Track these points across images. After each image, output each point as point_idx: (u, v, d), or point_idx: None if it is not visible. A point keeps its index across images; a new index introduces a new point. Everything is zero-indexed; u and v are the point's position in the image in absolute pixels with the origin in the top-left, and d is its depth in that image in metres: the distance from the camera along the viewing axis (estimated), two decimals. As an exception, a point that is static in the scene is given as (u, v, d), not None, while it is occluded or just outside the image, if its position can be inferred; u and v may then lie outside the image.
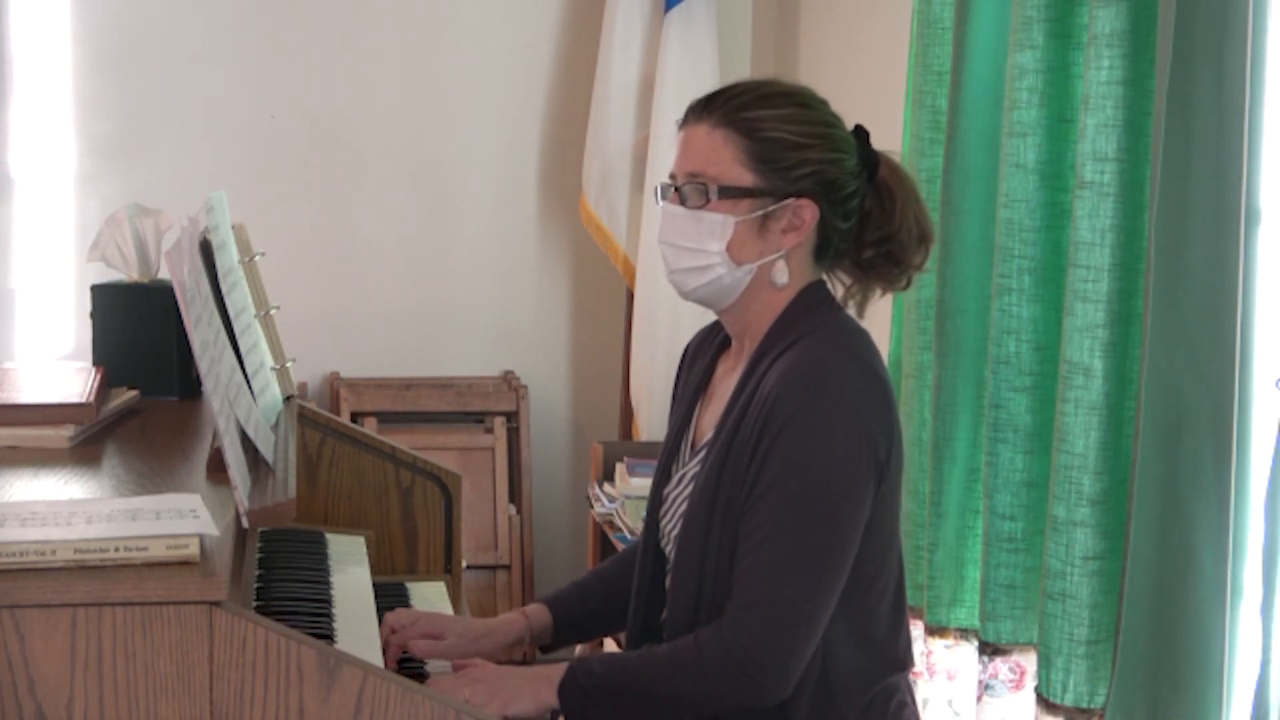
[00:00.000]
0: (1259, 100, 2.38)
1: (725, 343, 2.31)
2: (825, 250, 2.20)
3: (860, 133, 2.23)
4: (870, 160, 2.21)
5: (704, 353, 2.36)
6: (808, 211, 2.16)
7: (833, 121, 2.20)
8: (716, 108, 2.17)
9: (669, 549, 2.25)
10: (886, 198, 2.21)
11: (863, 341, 2.20)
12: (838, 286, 2.27)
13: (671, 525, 2.24)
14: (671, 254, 2.20)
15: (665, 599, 2.26)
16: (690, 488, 2.21)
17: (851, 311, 2.26)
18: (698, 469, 2.20)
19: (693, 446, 2.28)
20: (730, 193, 2.15)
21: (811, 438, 2.06)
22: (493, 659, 2.29)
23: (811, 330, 2.16)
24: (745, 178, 2.15)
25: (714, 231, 2.16)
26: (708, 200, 2.16)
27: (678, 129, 2.23)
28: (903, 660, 2.22)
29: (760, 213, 2.15)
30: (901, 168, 2.26)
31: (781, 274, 2.18)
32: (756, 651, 2.03)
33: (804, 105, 2.19)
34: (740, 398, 2.16)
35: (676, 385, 2.42)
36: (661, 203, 2.22)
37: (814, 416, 2.06)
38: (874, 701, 2.17)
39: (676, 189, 2.19)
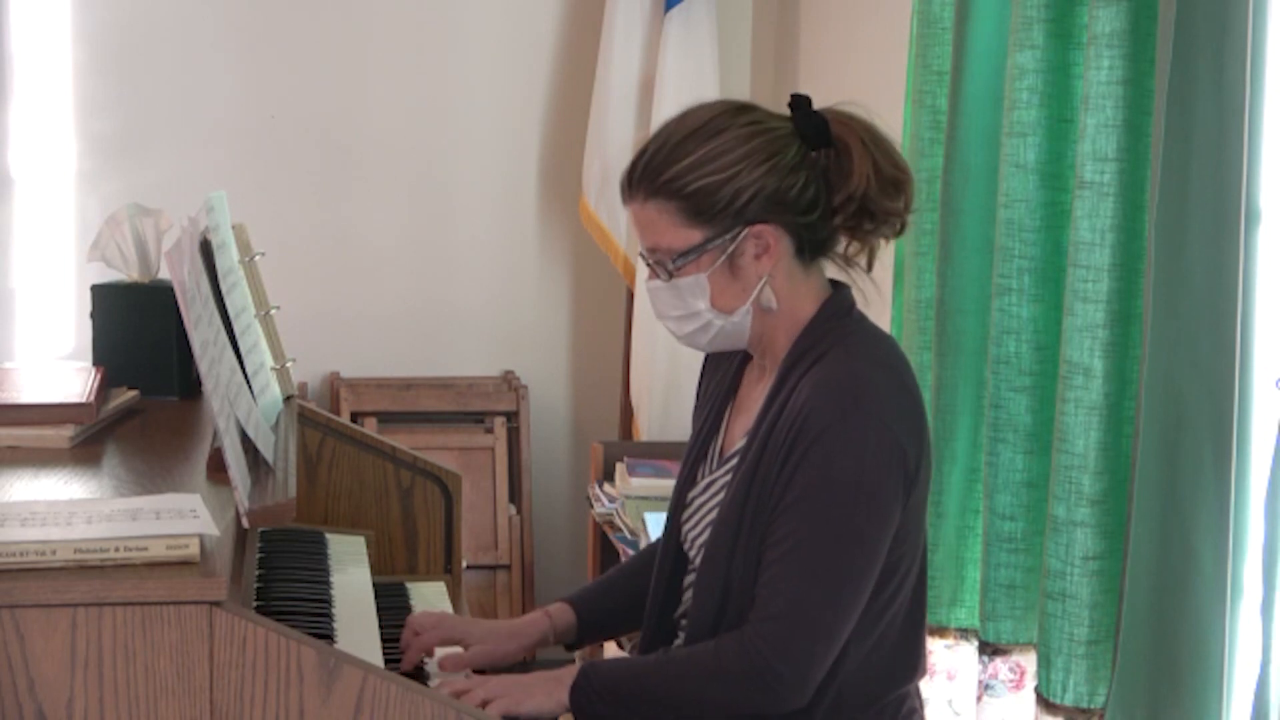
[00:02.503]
0: (1259, 100, 2.37)
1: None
2: (804, 248, 2.17)
3: (798, 104, 2.16)
4: (816, 127, 2.14)
5: (729, 354, 2.34)
6: (768, 234, 2.13)
7: (754, 131, 2.13)
8: (636, 181, 2.15)
9: (692, 553, 2.26)
10: (844, 155, 2.14)
11: (891, 350, 2.18)
12: (838, 258, 2.23)
13: (697, 532, 2.24)
14: (672, 325, 2.21)
15: (679, 597, 2.27)
16: (719, 496, 2.20)
17: (862, 278, 2.24)
18: (727, 478, 2.20)
19: (721, 454, 2.27)
20: (687, 255, 2.13)
21: (843, 451, 2.05)
22: (517, 661, 2.29)
23: (840, 341, 2.14)
24: (694, 236, 2.13)
25: (694, 293, 2.15)
26: (672, 271, 2.15)
27: (622, 205, 2.22)
28: (917, 669, 2.23)
29: (724, 258, 2.13)
30: (853, 118, 2.17)
31: (769, 300, 2.16)
32: (777, 662, 2.04)
33: (716, 134, 2.12)
34: (771, 409, 2.14)
35: (700, 384, 2.41)
36: (645, 280, 2.22)
37: (846, 429, 2.06)
38: (885, 708, 2.17)
39: (649, 264, 2.19)
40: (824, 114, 2.16)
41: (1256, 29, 2.36)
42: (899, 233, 2.22)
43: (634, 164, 2.17)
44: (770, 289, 2.16)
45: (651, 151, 2.15)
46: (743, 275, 2.15)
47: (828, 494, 2.05)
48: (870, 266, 2.24)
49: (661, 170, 2.13)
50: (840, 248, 2.22)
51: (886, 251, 2.31)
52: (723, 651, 2.07)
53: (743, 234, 2.12)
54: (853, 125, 2.16)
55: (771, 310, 2.17)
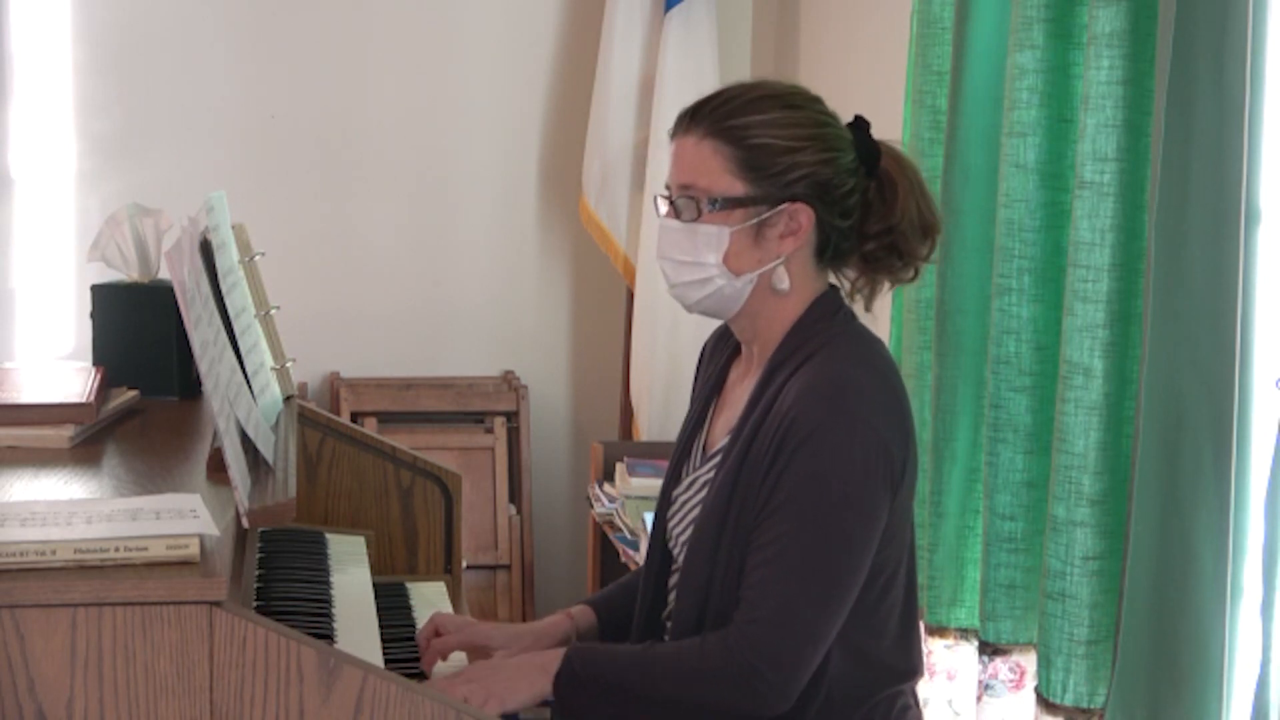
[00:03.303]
0: (1259, 100, 2.37)
1: (739, 346, 2.30)
2: (826, 249, 2.19)
3: (859, 124, 2.20)
4: (870, 152, 2.18)
5: (719, 352, 2.34)
6: (803, 215, 2.14)
7: (825, 120, 2.17)
8: (703, 117, 2.15)
9: (676, 550, 2.25)
10: (888, 188, 2.18)
11: (878, 352, 2.19)
12: (843, 281, 2.25)
13: (680, 529, 2.24)
14: (670, 269, 2.19)
15: (667, 596, 2.27)
16: (702, 494, 2.20)
17: (860, 305, 2.25)
18: (710, 476, 2.20)
19: (705, 451, 2.27)
20: (722, 204, 2.13)
21: (828, 455, 2.05)
22: None
23: (827, 342, 2.14)
24: (736, 187, 2.13)
25: (710, 244, 2.14)
26: (701, 213, 2.14)
27: (669, 139, 2.21)
28: (912, 669, 2.22)
29: (754, 221, 2.14)
30: (904, 157, 2.23)
31: (781, 280, 2.16)
32: (763, 665, 2.03)
33: (793, 107, 2.16)
34: (755, 409, 2.14)
35: (696, 379, 2.41)
36: (659, 217, 2.21)
37: (831, 433, 2.06)
38: (877, 706, 2.17)
39: (671, 202, 2.18)
40: (879, 145, 2.20)
41: (1256, 29, 2.36)
42: (913, 278, 2.25)
43: (702, 102, 2.18)
44: (785, 270, 2.16)
45: (726, 97, 2.17)
46: (763, 246, 2.15)
47: (814, 497, 2.05)
48: (869, 306, 2.25)
49: (733, 115, 2.14)
50: (850, 277, 2.24)
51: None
52: (707, 651, 2.07)
53: (781, 207, 2.13)
54: (903, 164, 2.21)
55: (780, 292, 2.16)
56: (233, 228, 2.49)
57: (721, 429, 2.25)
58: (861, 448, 2.06)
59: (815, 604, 2.04)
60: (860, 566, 2.08)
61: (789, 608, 2.04)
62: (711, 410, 2.30)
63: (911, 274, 2.24)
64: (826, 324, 2.17)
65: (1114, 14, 2.52)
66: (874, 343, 2.20)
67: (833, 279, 2.25)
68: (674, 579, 2.26)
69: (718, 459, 2.20)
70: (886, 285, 2.25)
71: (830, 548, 2.05)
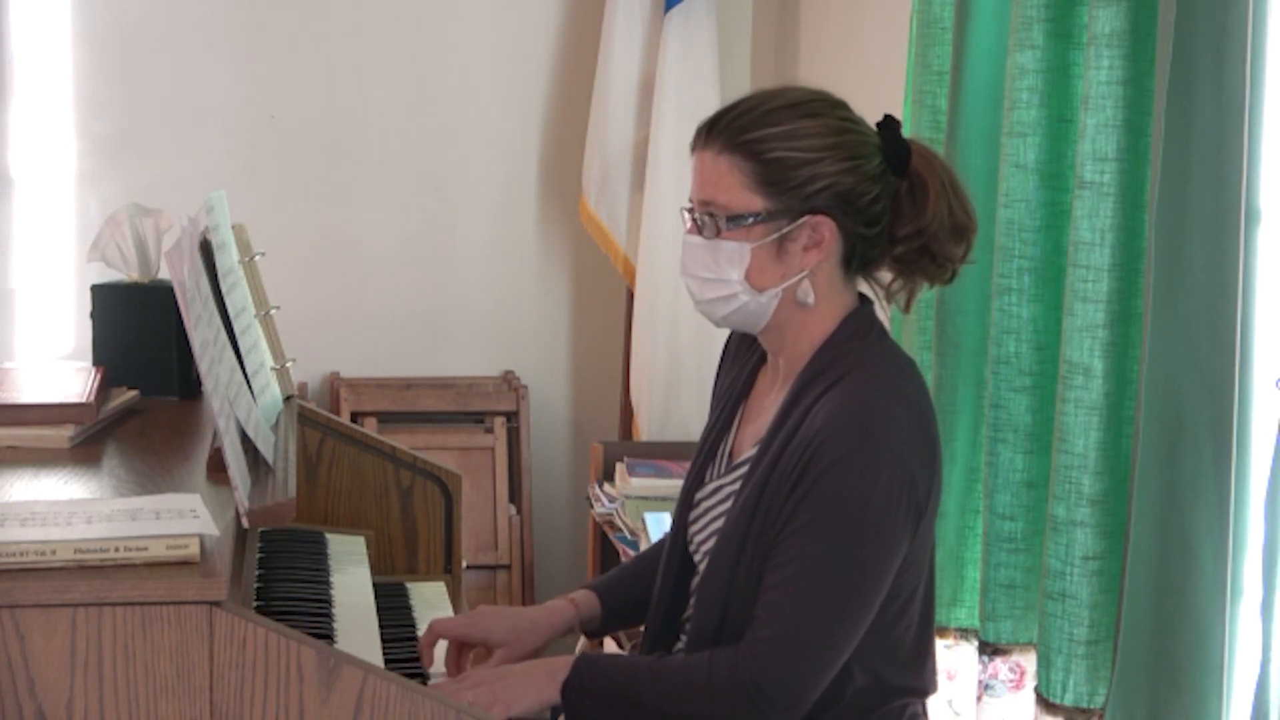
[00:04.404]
0: (1259, 100, 2.38)
1: (765, 352, 2.27)
2: (853, 259, 2.15)
3: (889, 124, 2.15)
4: (900, 152, 2.14)
5: (745, 353, 2.32)
6: (826, 228, 2.10)
7: (846, 126, 2.13)
8: (720, 131, 2.12)
9: (698, 558, 2.25)
10: (919, 189, 2.14)
11: (909, 376, 2.15)
12: (876, 287, 2.22)
13: (702, 537, 2.23)
14: (695, 286, 2.16)
15: (687, 600, 2.26)
16: (725, 504, 2.19)
17: (898, 308, 2.22)
18: (735, 488, 2.18)
19: (730, 459, 2.25)
20: (742, 220, 2.10)
21: (854, 482, 2.02)
22: (539, 654, 2.28)
23: (857, 364, 2.11)
24: (755, 203, 2.10)
25: (731, 260, 2.11)
26: (721, 229, 2.11)
27: (690, 152, 2.18)
28: (923, 689, 2.21)
29: (775, 236, 2.11)
30: (937, 156, 2.18)
31: (807, 294, 2.13)
32: (769, 686, 2.02)
33: (812, 115, 2.12)
34: (784, 427, 2.12)
35: (719, 375, 2.38)
36: (685, 232, 2.18)
37: (856, 462, 2.02)
38: (886, 715, 2.17)
39: (694, 218, 2.16)
40: (909, 144, 2.16)
41: (1256, 29, 2.36)
42: (949, 279, 2.21)
43: (719, 115, 2.14)
44: (810, 284, 2.13)
45: (743, 109, 2.13)
46: (786, 260, 2.12)
47: (835, 524, 2.03)
48: (908, 308, 2.22)
49: (748, 129, 2.10)
50: (884, 280, 2.21)
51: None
52: (715, 668, 2.05)
53: (802, 220, 2.10)
54: (934, 164, 2.16)
55: (806, 306, 2.14)
56: (233, 228, 2.49)
57: (748, 438, 2.23)
58: (886, 478, 2.03)
59: (826, 629, 2.03)
60: (875, 595, 2.06)
61: (799, 631, 2.03)
62: (739, 416, 2.28)
63: (949, 275, 2.19)
64: (858, 343, 2.14)
65: (1114, 14, 2.52)
66: (906, 365, 2.17)
67: (865, 287, 2.21)
68: (694, 581, 2.25)
69: (743, 470, 2.18)
70: (925, 286, 2.21)
71: (846, 575, 2.03)
